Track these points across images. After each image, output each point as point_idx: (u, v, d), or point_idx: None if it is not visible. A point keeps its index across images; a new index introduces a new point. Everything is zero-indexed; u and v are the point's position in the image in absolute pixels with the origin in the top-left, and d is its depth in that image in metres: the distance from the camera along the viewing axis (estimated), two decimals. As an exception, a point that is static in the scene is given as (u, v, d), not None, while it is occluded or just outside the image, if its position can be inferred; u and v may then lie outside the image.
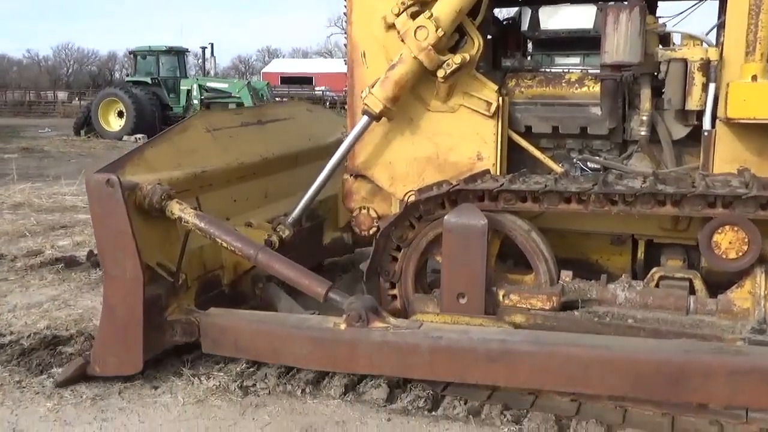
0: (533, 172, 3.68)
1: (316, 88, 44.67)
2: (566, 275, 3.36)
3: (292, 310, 3.74)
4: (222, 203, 4.10)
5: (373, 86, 3.74)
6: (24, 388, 3.47)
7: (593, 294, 3.29)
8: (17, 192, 9.58)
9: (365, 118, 3.82)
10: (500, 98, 3.73)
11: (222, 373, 3.55)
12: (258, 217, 4.17)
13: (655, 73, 3.67)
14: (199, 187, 3.93)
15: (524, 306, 3.29)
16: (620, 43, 3.44)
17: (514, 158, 3.92)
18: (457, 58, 3.57)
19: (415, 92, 3.82)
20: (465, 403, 3.23)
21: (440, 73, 3.61)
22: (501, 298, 3.32)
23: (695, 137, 3.65)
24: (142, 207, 3.41)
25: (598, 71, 3.85)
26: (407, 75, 3.67)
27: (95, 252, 6.08)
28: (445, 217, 3.27)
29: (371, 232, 4.17)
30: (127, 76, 26.15)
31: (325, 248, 5.09)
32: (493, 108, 3.70)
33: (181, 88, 22.65)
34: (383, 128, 3.94)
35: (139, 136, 20.32)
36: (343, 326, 3.22)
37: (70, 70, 69.41)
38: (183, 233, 3.54)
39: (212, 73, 25.29)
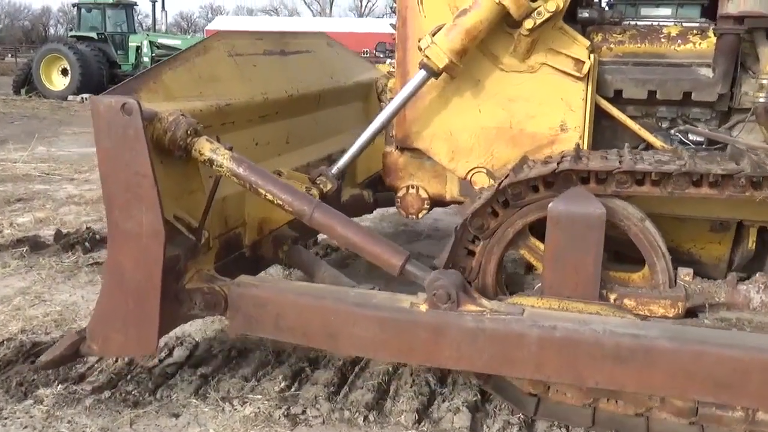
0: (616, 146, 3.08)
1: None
2: (686, 273, 2.77)
3: (338, 281, 3.04)
4: (243, 146, 3.26)
5: (434, 34, 3.03)
6: (6, 419, 2.73)
7: (721, 296, 2.72)
8: (-41, 159, 8.54)
9: (422, 73, 3.09)
10: (592, 56, 3.07)
11: (259, 396, 2.86)
12: (281, 166, 3.42)
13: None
14: (221, 125, 3.11)
15: (642, 312, 2.68)
16: (749, -10, 2.83)
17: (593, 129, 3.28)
18: (550, 5, 2.86)
19: (483, 47, 3.13)
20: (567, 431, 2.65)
21: (528, 24, 2.90)
22: (612, 302, 2.71)
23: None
24: (161, 143, 2.59)
25: (695, 24, 3.24)
26: (483, 23, 2.95)
27: (64, 232, 5.25)
28: (551, 205, 2.62)
29: (420, 215, 3.51)
30: (71, 30, 24.48)
31: (343, 206, 4.36)
32: (585, 68, 3.03)
33: (129, 44, 21.22)
34: (441, 91, 3.23)
35: (85, 95, 18.93)
36: (424, 307, 2.56)
37: (1, 25, 65.69)
38: (211, 180, 2.77)
39: (163, 28, 23.86)
